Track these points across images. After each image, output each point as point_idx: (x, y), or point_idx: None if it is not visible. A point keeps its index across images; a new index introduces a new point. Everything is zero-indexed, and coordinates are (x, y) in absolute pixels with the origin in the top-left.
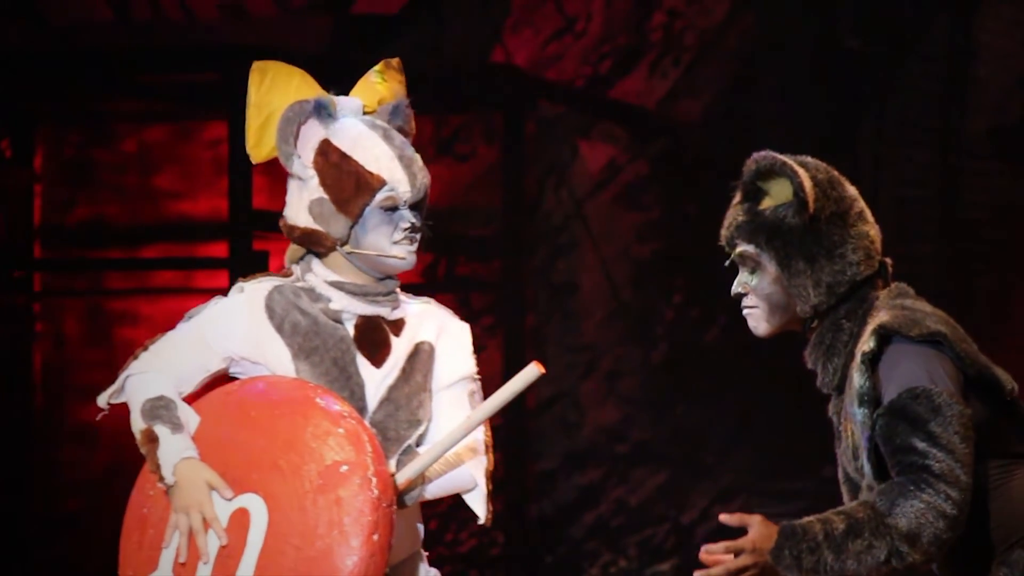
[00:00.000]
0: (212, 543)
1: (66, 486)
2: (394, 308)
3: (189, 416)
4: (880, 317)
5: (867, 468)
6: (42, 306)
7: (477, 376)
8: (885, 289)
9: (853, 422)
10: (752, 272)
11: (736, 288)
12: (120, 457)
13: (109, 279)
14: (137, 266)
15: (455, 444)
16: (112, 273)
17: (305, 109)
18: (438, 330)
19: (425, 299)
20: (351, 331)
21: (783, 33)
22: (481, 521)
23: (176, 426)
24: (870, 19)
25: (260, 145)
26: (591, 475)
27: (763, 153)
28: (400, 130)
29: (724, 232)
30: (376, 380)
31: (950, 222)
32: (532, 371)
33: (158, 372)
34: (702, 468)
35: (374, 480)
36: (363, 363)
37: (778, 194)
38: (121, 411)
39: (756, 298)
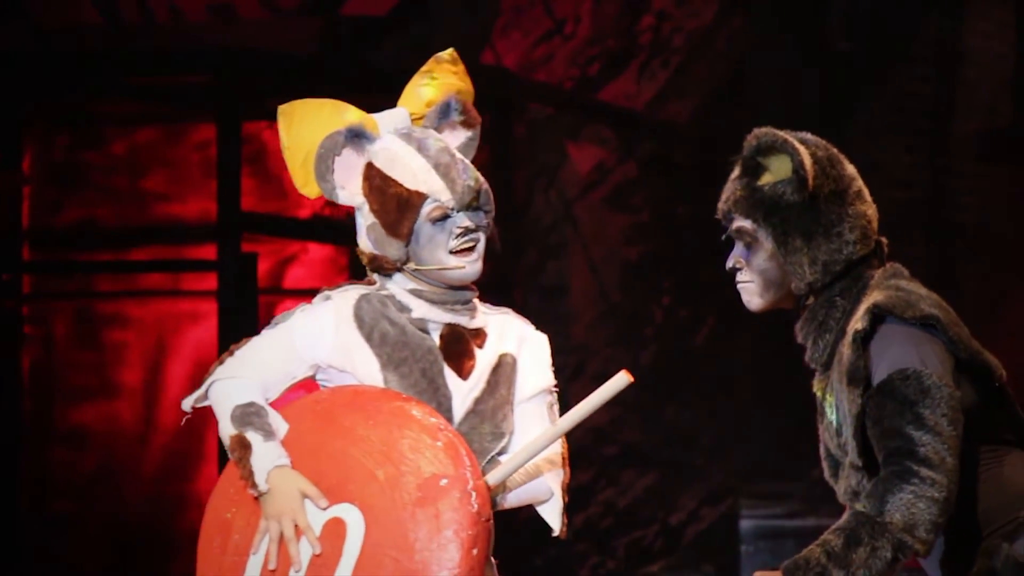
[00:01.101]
0: (305, 551)
1: (55, 488)
2: (472, 317)
3: (278, 423)
4: (874, 296)
5: (851, 445)
6: (31, 309)
7: (555, 388)
8: (880, 269)
9: (839, 399)
10: (748, 247)
11: (731, 262)
12: (109, 459)
13: (98, 281)
14: (126, 268)
15: (541, 451)
16: (101, 275)
17: (336, 141)
18: (519, 341)
19: (503, 309)
20: (437, 341)
21: (772, 35)
22: (556, 533)
23: (268, 433)
24: (859, 21)
25: (308, 184)
26: (580, 477)
27: (764, 129)
28: (464, 124)
29: (722, 206)
30: (462, 392)
31: (939, 224)
32: (621, 379)
33: (244, 378)
34: (691, 470)
35: (474, 494)
36: (450, 375)
37: (778, 170)
38: (108, 413)
39: (751, 273)
